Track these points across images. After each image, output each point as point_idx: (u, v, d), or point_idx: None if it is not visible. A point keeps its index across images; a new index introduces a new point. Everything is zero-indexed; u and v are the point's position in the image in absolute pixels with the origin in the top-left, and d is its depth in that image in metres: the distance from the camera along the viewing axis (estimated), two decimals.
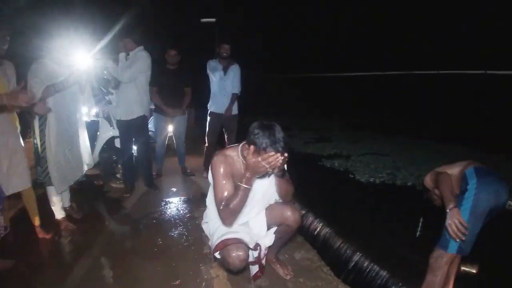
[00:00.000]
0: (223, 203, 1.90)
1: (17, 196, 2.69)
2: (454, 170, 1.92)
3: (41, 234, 2.79)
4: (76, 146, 3.02)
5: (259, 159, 1.76)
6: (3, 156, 2.49)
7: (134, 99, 3.67)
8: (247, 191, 1.87)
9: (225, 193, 1.91)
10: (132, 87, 3.62)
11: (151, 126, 4.55)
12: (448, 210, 1.69)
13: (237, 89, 4.43)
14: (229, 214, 1.90)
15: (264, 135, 1.77)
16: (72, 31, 2.91)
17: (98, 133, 4.10)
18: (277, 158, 1.74)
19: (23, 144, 2.66)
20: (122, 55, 3.59)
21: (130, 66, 3.53)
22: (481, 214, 1.70)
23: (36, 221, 2.79)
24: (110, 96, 4.29)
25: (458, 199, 1.76)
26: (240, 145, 2.00)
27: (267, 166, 1.76)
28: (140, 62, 3.57)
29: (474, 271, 1.93)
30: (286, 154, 1.77)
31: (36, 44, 2.69)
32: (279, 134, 1.79)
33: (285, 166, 2.00)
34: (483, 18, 7.47)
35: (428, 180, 2.05)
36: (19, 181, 2.58)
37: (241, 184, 1.85)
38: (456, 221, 1.64)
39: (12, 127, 2.58)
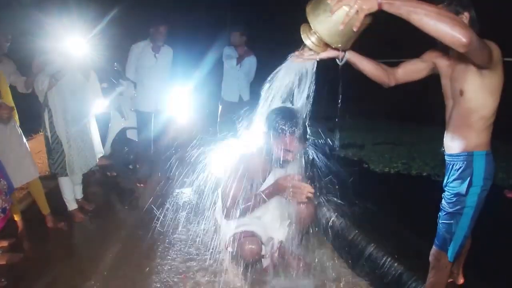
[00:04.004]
0: (230, 199, 1.90)
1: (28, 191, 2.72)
2: None
3: (50, 223, 2.81)
4: (88, 136, 3.03)
5: (289, 184, 1.73)
6: (8, 149, 2.53)
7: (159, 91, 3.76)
8: (263, 202, 1.86)
9: (236, 191, 1.89)
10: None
11: None
12: None
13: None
14: (235, 210, 1.89)
15: (284, 117, 1.76)
16: (68, 18, 2.90)
17: (109, 125, 4.10)
18: (303, 190, 1.72)
19: (24, 138, 2.70)
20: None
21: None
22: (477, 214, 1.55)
23: (45, 210, 2.81)
24: (121, 87, 4.26)
25: (458, 200, 1.53)
26: (259, 134, 1.95)
27: (291, 195, 1.74)
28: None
29: None
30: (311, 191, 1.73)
31: (38, 37, 2.70)
32: (298, 115, 1.79)
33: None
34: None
35: None
36: (26, 173, 2.63)
37: (262, 194, 1.84)
38: None
39: (11, 122, 2.60)
